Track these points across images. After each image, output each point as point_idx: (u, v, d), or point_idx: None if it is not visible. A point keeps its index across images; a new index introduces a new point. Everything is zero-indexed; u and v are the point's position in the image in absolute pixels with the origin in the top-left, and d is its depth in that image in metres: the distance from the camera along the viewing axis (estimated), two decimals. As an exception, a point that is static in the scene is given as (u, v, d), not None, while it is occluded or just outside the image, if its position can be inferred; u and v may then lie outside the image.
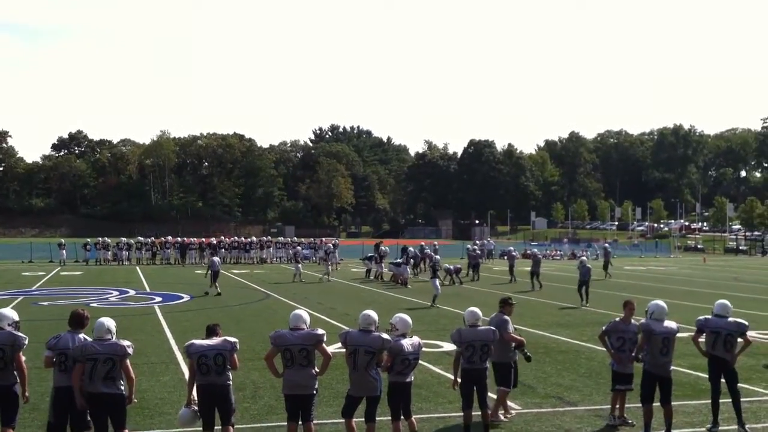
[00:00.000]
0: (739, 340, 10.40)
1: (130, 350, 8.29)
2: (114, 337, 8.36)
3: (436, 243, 50.43)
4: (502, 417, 10.61)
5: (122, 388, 8.23)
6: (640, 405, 10.03)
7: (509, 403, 11.50)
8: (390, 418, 9.19)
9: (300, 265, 36.35)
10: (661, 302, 10.40)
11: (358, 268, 40.21)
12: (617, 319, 10.72)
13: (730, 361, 10.30)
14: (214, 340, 8.60)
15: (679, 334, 10.32)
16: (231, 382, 8.57)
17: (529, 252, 45.50)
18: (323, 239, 57.59)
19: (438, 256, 32.80)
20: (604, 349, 10.79)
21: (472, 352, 9.64)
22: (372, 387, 8.87)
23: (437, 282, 26.17)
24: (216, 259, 30.80)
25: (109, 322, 8.41)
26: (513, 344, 10.71)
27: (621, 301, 11.68)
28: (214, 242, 50.81)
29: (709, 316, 10.64)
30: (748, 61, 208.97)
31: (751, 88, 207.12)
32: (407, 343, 9.07)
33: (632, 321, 10.61)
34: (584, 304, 24.66)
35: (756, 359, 15.57)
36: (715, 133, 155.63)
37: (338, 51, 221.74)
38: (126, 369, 8.25)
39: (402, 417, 9.11)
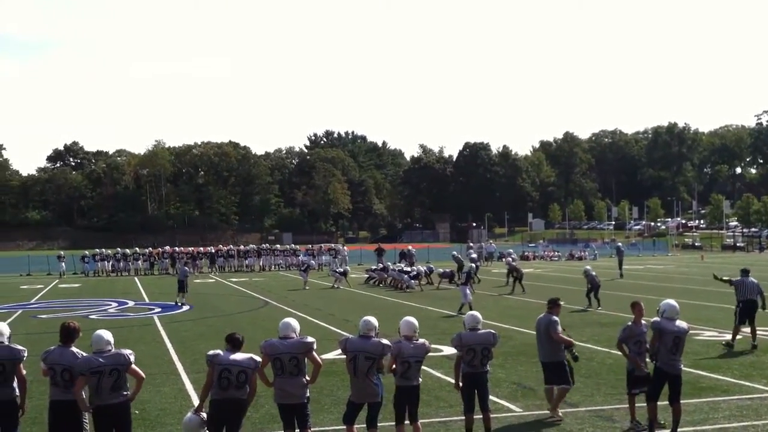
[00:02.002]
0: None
1: (132, 357, 8.27)
2: (113, 347, 8.33)
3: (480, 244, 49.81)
4: (560, 414, 10.79)
5: (127, 393, 8.20)
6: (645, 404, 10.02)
7: (510, 405, 11.54)
8: (393, 423, 9.20)
9: (306, 274, 35.71)
10: (672, 301, 10.37)
11: (357, 274, 40.17)
12: (629, 323, 10.55)
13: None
14: (240, 356, 8.41)
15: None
16: (246, 399, 8.41)
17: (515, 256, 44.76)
18: (322, 245, 57.57)
19: (472, 264, 32.26)
20: (606, 350, 10.79)
21: (473, 356, 9.67)
22: (373, 393, 8.87)
23: (467, 289, 24.56)
24: (186, 268, 30.76)
25: (107, 335, 8.37)
26: (563, 344, 10.90)
27: (619, 300, 11.70)
28: (191, 251, 50.85)
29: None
30: (740, 58, 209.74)
31: (744, 84, 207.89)
32: (409, 345, 9.09)
33: (642, 321, 10.53)
34: (599, 308, 24.01)
35: (756, 355, 15.61)
36: (710, 131, 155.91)
37: (332, 57, 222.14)
38: (135, 373, 8.24)
39: (407, 421, 9.10)
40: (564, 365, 10.95)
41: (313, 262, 44.44)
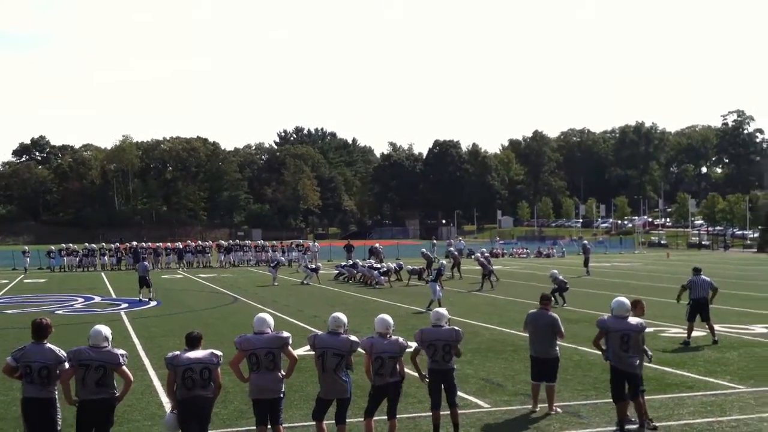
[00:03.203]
0: None
1: (123, 359, 8.21)
2: (110, 345, 8.27)
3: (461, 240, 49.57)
4: (559, 410, 10.95)
5: (113, 391, 8.14)
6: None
7: (479, 401, 11.59)
8: (362, 419, 9.23)
9: (275, 271, 35.21)
10: (622, 299, 10.43)
11: (327, 270, 40.10)
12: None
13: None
14: (200, 353, 8.32)
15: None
16: (212, 395, 8.35)
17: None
18: (292, 242, 57.45)
19: (443, 262, 32.02)
20: (573, 347, 10.89)
21: (434, 352, 9.69)
22: (342, 389, 8.87)
23: (437, 286, 24.42)
24: (146, 264, 29.86)
25: (106, 331, 8.31)
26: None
27: (587, 297, 11.83)
28: (154, 246, 50.52)
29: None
30: (707, 59, 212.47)
31: (710, 85, 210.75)
32: (382, 341, 9.12)
33: (641, 320, 10.51)
34: (563, 305, 24.41)
35: (719, 352, 15.83)
36: (676, 130, 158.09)
37: (302, 53, 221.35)
38: (123, 374, 8.17)
39: (385, 417, 9.17)
40: (557, 362, 11.13)
41: (282, 258, 44.18)
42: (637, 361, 10.09)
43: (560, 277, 25.29)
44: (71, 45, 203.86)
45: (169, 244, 54.94)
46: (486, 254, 35.24)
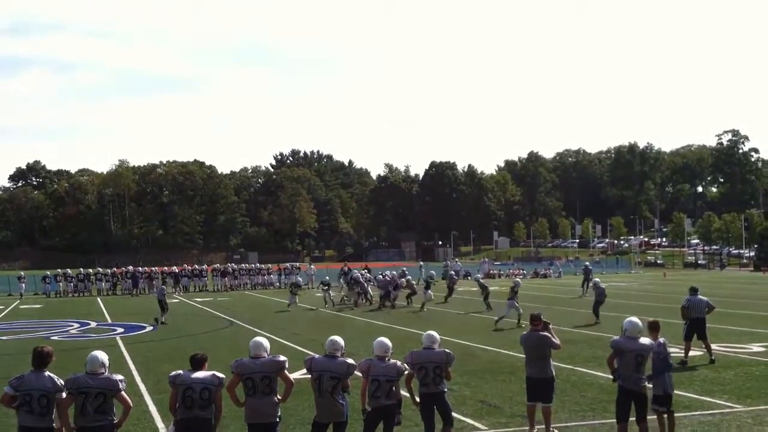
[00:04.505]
0: None
1: (123, 384, 8.20)
2: (107, 371, 8.25)
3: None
4: (556, 431, 10.92)
5: (112, 418, 8.11)
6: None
7: (476, 423, 11.55)
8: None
9: (296, 297, 33.84)
10: (634, 319, 10.24)
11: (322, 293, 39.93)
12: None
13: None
14: (202, 374, 8.36)
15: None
16: (212, 418, 8.33)
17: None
18: (290, 264, 57.36)
19: (518, 279, 32.07)
20: (570, 367, 10.86)
21: (425, 374, 9.64)
22: (338, 412, 8.84)
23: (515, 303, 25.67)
24: (163, 287, 30.66)
25: (103, 356, 8.29)
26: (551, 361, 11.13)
27: (582, 317, 11.81)
28: (148, 270, 50.42)
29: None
30: (702, 78, 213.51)
31: (705, 104, 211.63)
32: (380, 364, 9.11)
33: (659, 339, 10.69)
34: (597, 320, 25.06)
35: (716, 371, 15.82)
36: (671, 150, 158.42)
37: (298, 76, 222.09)
38: (123, 400, 8.16)
39: None
40: (552, 382, 11.02)
41: (300, 279, 43.33)
42: (646, 383, 10.06)
43: (602, 286, 26.38)
44: (63, 67, 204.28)
45: (165, 268, 54.78)
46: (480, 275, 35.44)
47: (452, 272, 43.58)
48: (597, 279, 28.05)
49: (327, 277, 37.10)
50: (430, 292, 32.77)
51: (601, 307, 25.87)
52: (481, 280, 33.18)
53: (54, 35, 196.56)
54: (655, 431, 10.45)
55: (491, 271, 63.14)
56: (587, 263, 47.69)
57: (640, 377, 9.93)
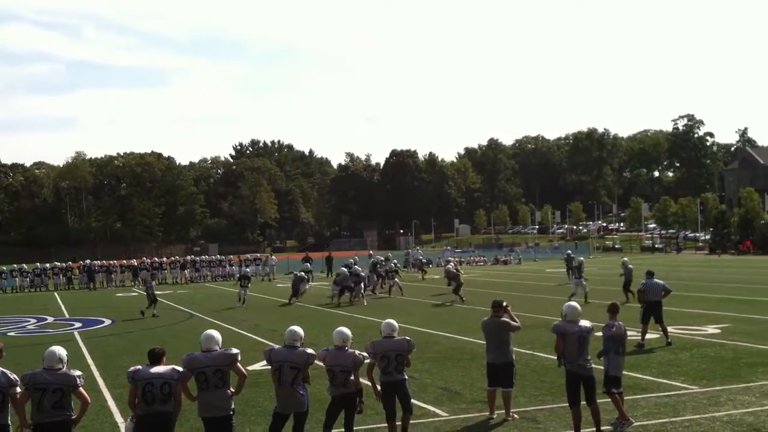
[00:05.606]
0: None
1: (81, 380, 8.09)
2: (65, 366, 8.13)
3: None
4: (515, 415, 11.06)
5: (69, 413, 8.00)
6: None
7: (436, 410, 11.61)
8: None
9: (245, 290, 30.94)
10: (573, 303, 10.71)
11: (284, 283, 39.86)
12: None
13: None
14: (161, 368, 8.27)
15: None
16: (173, 411, 8.27)
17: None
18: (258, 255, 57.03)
19: (582, 258, 31.49)
20: (530, 353, 10.97)
21: (387, 363, 9.72)
22: (299, 403, 8.83)
23: (583, 281, 27.59)
24: (151, 280, 30.79)
25: (61, 351, 8.18)
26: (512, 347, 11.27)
27: (545, 303, 11.91)
28: (106, 263, 49.87)
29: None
30: (658, 64, 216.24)
31: (661, 90, 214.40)
32: (337, 353, 9.16)
33: (616, 321, 10.89)
34: (627, 301, 25.13)
35: (673, 353, 16.08)
36: (628, 136, 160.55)
37: (257, 65, 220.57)
38: (81, 396, 8.06)
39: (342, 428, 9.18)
40: (512, 367, 11.16)
41: (248, 270, 42.84)
42: (591, 364, 10.22)
43: (630, 266, 27.15)
44: (19, 58, 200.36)
45: (124, 261, 54.09)
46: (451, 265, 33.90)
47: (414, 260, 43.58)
48: (626, 258, 28.91)
49: (308, 264, 37.28)
50: (396, 280, 34.01)
51: (630, 286, 26.16)
52: (453, 271, 31.07)
53: (4, 26, 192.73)
54: (610, 413, 10.60)
55: (453, 260, 63.02)
56: (569, 251, 46.99)
57: (586, 359, 10.14)
